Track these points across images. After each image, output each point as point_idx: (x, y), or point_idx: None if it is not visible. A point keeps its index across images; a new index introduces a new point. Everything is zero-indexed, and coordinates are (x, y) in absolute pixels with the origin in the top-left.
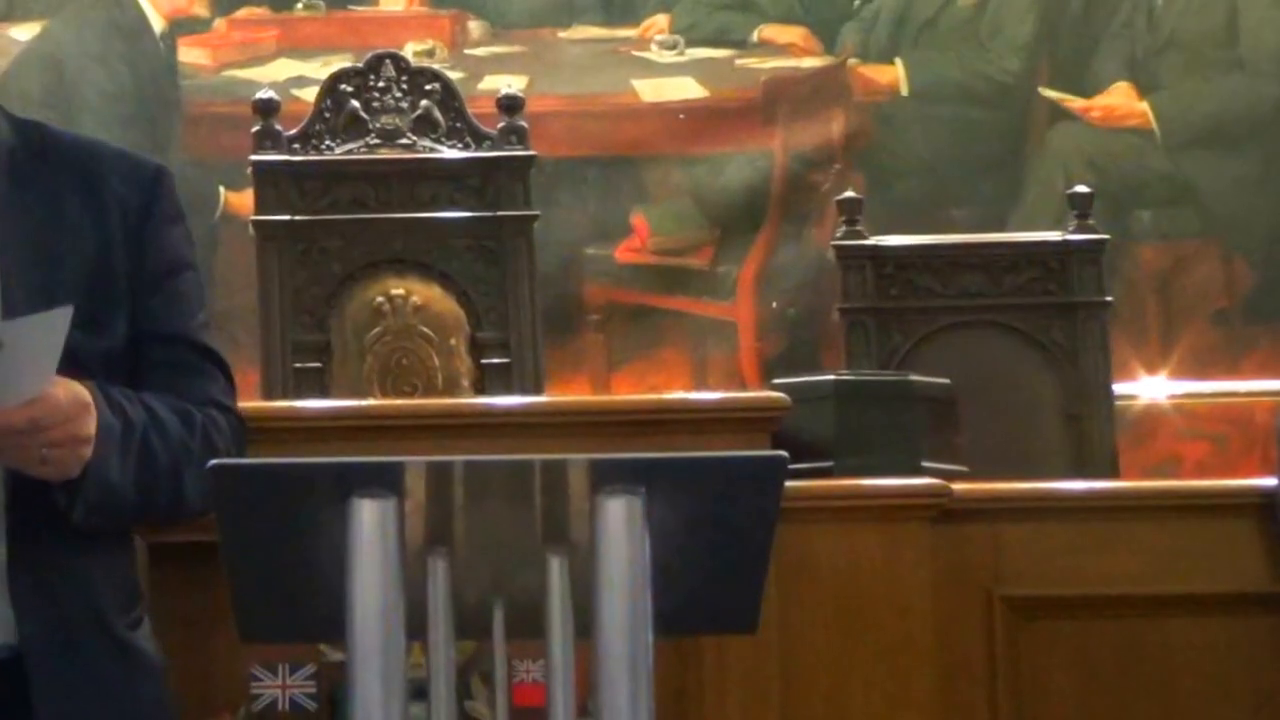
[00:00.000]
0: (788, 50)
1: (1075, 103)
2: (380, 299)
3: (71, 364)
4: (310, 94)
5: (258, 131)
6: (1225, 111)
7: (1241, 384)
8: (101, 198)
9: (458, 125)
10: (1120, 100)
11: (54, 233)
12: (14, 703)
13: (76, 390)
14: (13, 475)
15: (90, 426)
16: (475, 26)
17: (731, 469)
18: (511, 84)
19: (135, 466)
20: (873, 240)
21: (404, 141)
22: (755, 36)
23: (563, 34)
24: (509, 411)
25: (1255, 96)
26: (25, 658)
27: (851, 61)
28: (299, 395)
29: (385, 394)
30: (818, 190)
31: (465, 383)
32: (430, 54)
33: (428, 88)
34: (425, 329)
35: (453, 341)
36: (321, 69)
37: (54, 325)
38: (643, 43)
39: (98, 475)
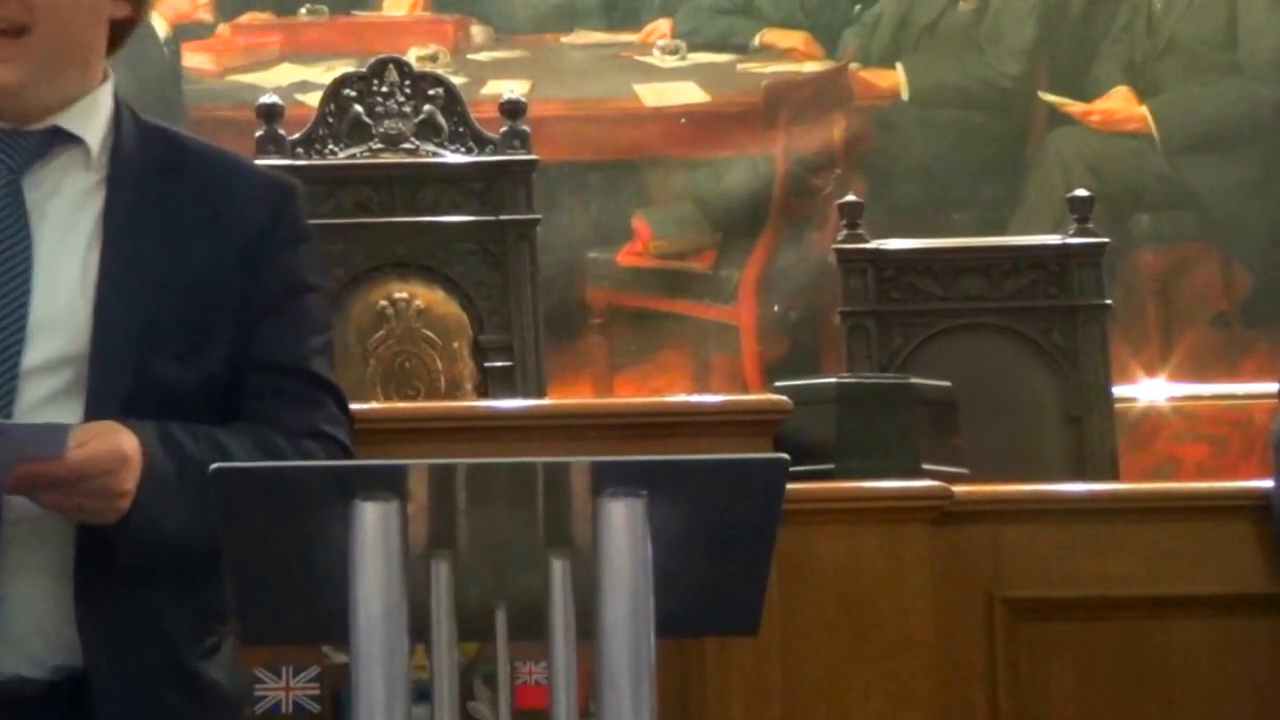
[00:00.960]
0: (789, 55)
1: (1075, 107)
2: (383, 303)
3: (165, 396)
4: (314, 99)
5: (261, 136)
6: (1224, 116)
7: (1240, 387)
8: (223, 218)
9: (460, 130)
10: (1120, 105)
11: (164, 253)
12: None
13: (117, 443)
14: None
15: (128, 480)
16: (478, 31)
17: (733, 471)
18: (514, 89)
19: (188, 511)
20: (874, 244)
21: (407, 146)
22: (757, 41)
23: (565, 39)
24: (511, 414)
25: (1254, 101)
26: (90, 680)
27: (852, 66)
28: None
29: (388, 397)
30: (819, 194)
31: (468, 386)
32: (433, 59)
33: (431, 92)
34: (428, 332)
35: (455, 345)
36: (325, 74)
37: (52, 439)
38: (645, 47)
39: (138, 524)
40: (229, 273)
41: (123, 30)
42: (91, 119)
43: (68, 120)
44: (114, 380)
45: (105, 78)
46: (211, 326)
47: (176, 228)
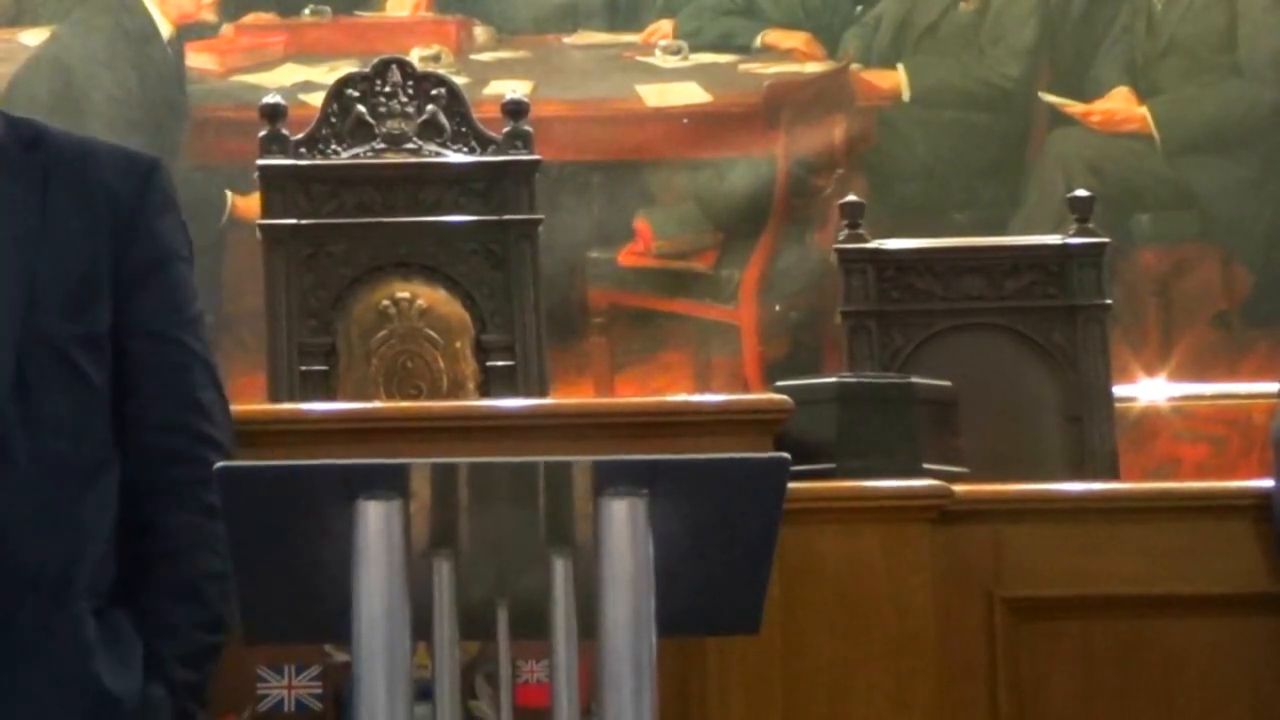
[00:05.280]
0: (791, 55)
1: (1075, 108)
2: (386, 302)
3: (48, 346)
4: (317, 99)
5: (264, 136)
6: (1224, 116)
7: (1240, 386)
8: (91, 189)
9: (463, 130)
10: (1120, 105)
11: (39, 222)
12: None
13: None
14: None
15: None
16: (481, 32)
17: (735, 471)
18: (516, 89)
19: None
20: (874, 244)
21: (410, 146)
22: (758, 42)
23: (567, 39)
24: (513, 414)
25: (1254, 101)
26: None
27: (854, 67)
28: (305, 398)
29: (391, 396)
30: (820, 194)
31: (470, 385)
32: (436, 59)
33: (433, 93)
34: (430, 332)
35: (458, 344)
36: (328, 74)
37: None
38: (647, 48)
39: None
40: (100, 239)
41: None
42: None
43: None
44: (3, 332)
45: None
46: (90, 289)
47: (48, 199)
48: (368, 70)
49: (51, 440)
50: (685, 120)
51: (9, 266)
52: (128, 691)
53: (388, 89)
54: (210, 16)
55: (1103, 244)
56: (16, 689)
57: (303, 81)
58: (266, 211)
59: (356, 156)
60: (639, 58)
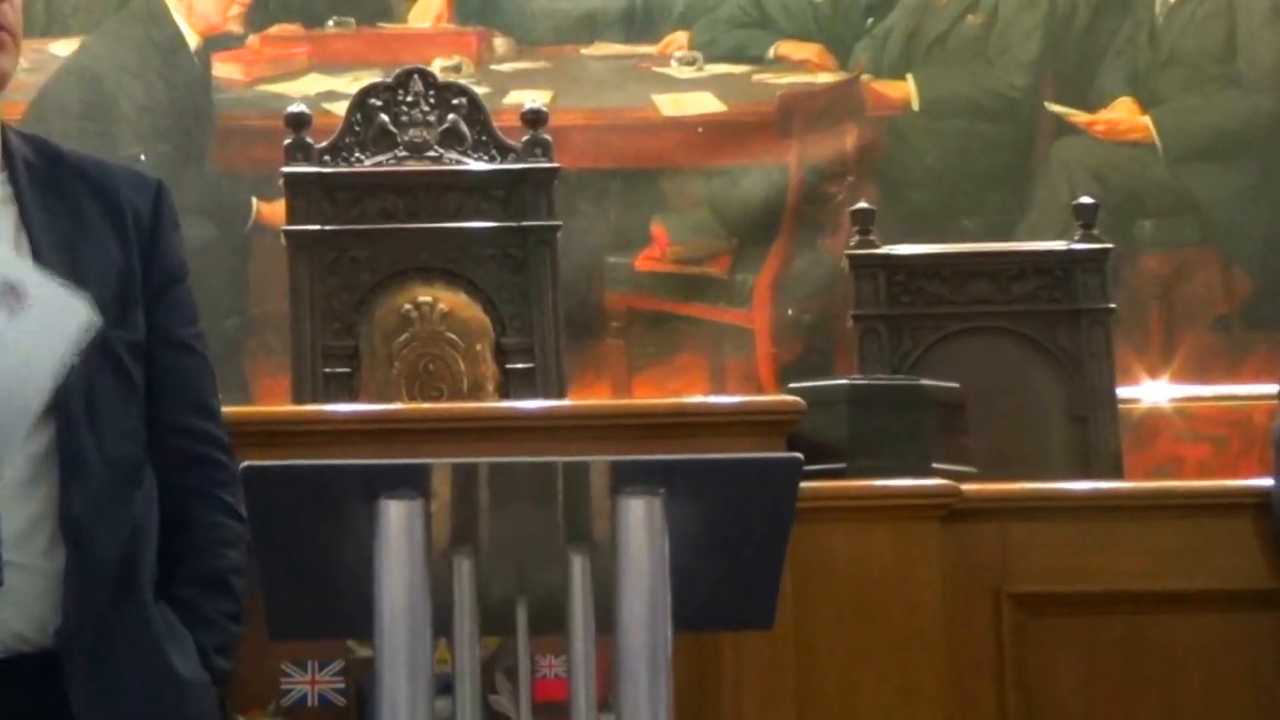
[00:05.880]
0: (803, 66)
1: (1080, 117)
2: (408, 306)
3: (106, 351)
4: (340, 108)
5: (289, 144)
6: (1224, 125)
7: (1240, 388)
8: (117, 205)
9: (483, 138)
10: (1123, 115)
11: (81, 235)
12: None
13: None
14: None
15: None
16: (501, 43)
17: (748, 470)
18: (536, 98)
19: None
20: (884, 249)
21: (431, 154)
22: (772, 53)
23: (585, 50)
24: (532, 415)
25: (1253, 111)
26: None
27: (864, 77)
28: (329, 399)
29: (412, 398)
30: (832, 201)
31: (490, 387)
32: (457, 69)
33: (454, 102)
34: (451, 335)
35: (478, 347)
36: (351, 84)
37: (76, 308)
38: (663, 59)
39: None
40: (130, 252)
41: None
42: None
43: None
44: None
45: None
46: (129, 297)
47: (81, 214)
48: (390, 80)
49: (111, 440)
50: (700, 129)
51: (64, 271)
52: (195, 675)
53: (410, 98)
54: (236, 27)
55: (1106, 250)
56: (105, 677)
57: (327, 91)
58: (291, 217)
59: (379, 164)
60: (655, 68)
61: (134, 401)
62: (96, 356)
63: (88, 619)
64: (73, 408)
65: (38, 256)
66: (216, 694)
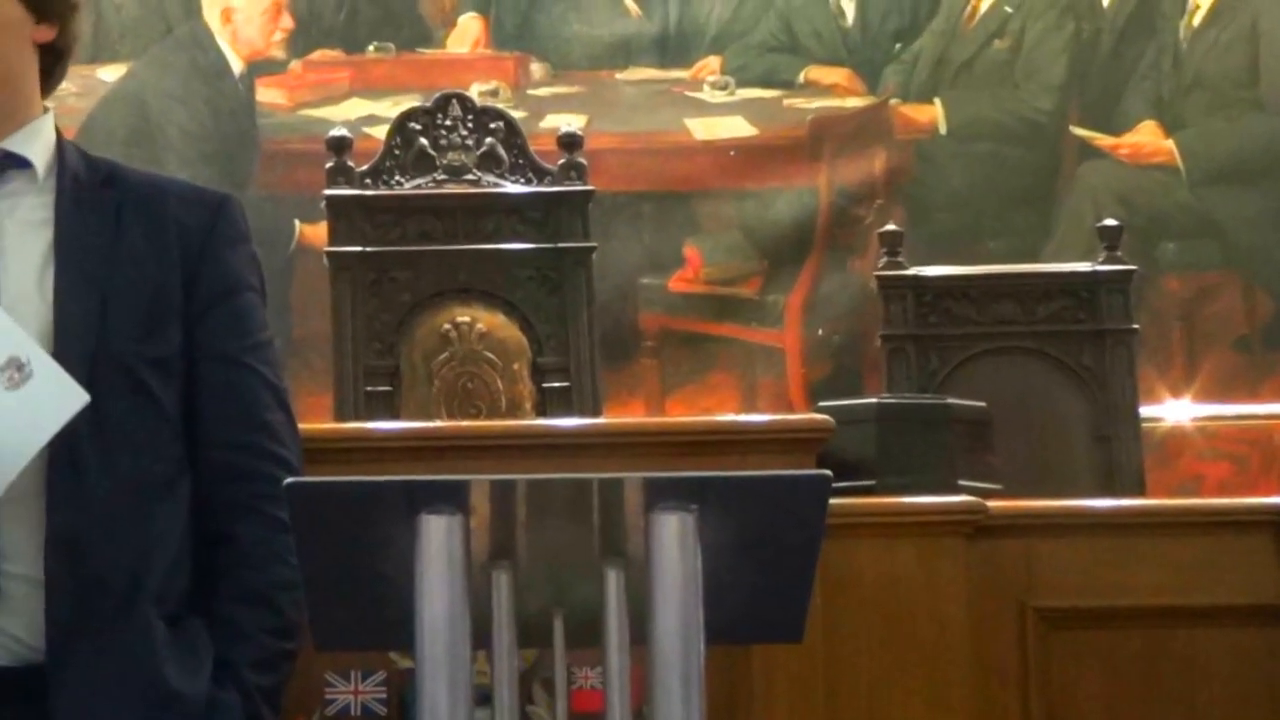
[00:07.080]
0: (833, 91)
1: (1104, 141)
2: (447, 326)
3: (119, 366)
4: (381, 132)
5: (331, 167)
6: (1246, 149)
7: (1261, 407)
8: (162, 222)
9: (520, 162)
10: (1147, 138)
11: (113, 252)
12: None
13: None
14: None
15: None
16: (537, 68)
17: (779, 487)
18: (571, 122)
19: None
20: (913, 271)
21: (469, 177)
22: (802, 78)
23: (620, 75)
24: (568, 433)
25: (1275, 134)
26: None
27: (893, 101)
28: (370, 417)
29: (451, 416)
30: (861, 223)
31: (527, 405)
32: (494, 94)
33: (492, 126)
34: (489, 354)
35: (515, 366)
36: (391, 108)
37: (73, 394)
38: (695, 83)
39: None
40: (170, 269)
41: (54, 61)
42: (34, 144)
43: (13, 145)
44: (77, 350)
45: (45, 111)
46: (160, 314)
47: (120, 232)
48: (429, 105)
49: (120, 454)
50: (732, 152)
51: (84, 291)
52: (193, 691)
53: (448, 122)
54: (280, 54)
55: (1130, 271)
56: (88, 688)
57: (367, 115)
58: (333, 239)
59: (419, 187)
60: (688, 93)
61: (157, 416)
62: (109, 373)
63: (74, 632)
64: (76, 423)
65: (61, 281)
66: (247, 711)
